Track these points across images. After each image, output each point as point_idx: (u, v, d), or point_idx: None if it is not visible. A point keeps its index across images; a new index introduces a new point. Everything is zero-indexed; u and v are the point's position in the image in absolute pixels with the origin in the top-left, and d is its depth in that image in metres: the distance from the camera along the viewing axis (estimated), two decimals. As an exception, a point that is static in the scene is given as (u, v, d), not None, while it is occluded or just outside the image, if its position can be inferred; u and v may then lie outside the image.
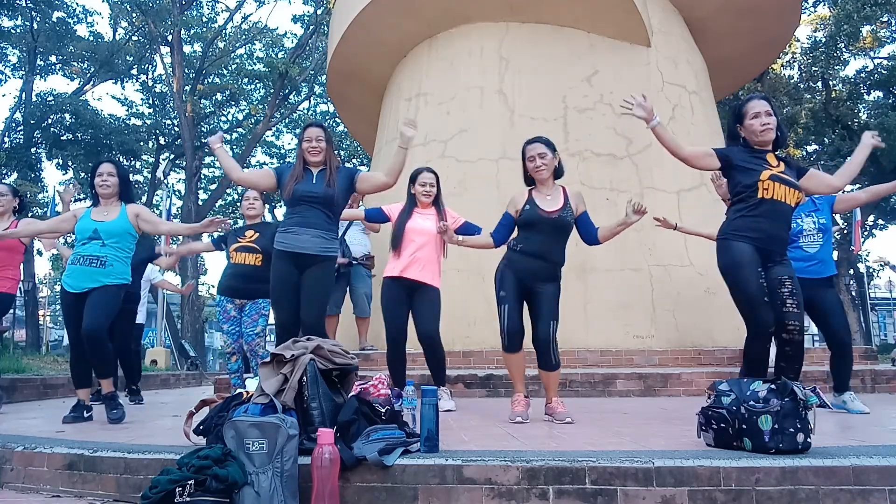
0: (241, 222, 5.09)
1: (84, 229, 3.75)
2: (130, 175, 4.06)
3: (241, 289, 4.67)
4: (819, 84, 18.42)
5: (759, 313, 2.93)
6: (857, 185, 18.63)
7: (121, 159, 18.26)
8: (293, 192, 3.46)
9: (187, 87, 18.93)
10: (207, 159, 22.99)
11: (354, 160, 21.78)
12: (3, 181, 5.14)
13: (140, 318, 6.15)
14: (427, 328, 3.86)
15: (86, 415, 3.73)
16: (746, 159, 3.09)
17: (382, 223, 4.26)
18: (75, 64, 19.53)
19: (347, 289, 6.05)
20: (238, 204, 21.23)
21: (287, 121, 22.53)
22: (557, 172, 3.48)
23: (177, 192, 22.40)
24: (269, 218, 19.13)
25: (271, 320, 4.13)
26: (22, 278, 4.72)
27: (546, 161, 3.40)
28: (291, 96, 21.26)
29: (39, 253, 17.41)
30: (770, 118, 3.05)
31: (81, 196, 20.74)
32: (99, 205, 3.86)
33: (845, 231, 17.63)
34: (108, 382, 3.81)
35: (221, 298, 4.81)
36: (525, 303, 3.40)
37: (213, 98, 21.32)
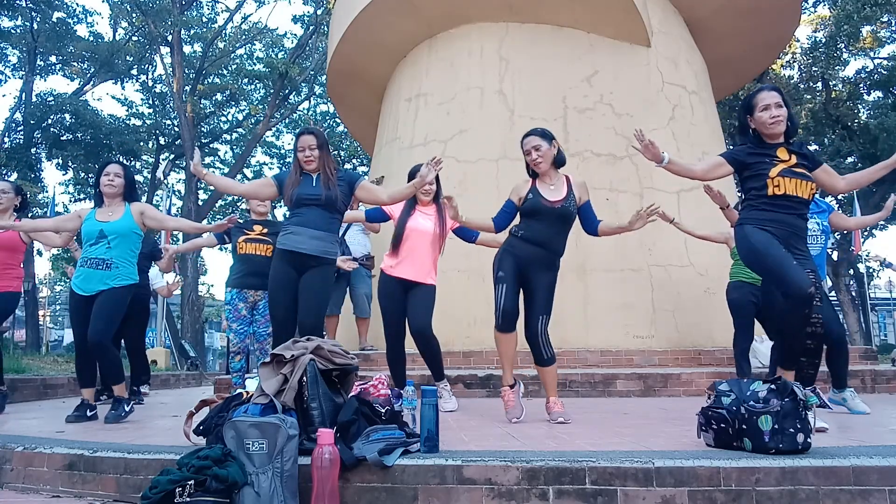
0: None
1: (90, 231, 3.77)
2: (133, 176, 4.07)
3: (256, 281, 4.62)
4: (819, 84, 18.41)
5: (792, 275, 2.75)
6: (857, 186, 18.66)
7: (121, 159, 18.28)
8: (294, 197, 3.49)
9: (187, 88, 18.92)
10: (207, 159, 23.00)
11: (354, 160, 21.77)
12: (5, 179, 5.15)
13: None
14: (418, 322, 3.86)
15: (89, 414, 3.74)
16: (755, 159, 3.01)
17: (384, 222, 4.27)
18: (75, 64, 19.53)
19: (347, 289, 6.05)
20: (238, 203, 21.22)
21: (287, 121, 22.52)
22: (558, 161, 3.48)
23: (177, 193, 22.42)
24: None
25: None
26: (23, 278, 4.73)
27: (542, 153, 3.41)
28: (291, 96, 21.26)
29: (39, 253, 17.44)
30: (780, 110, 2.97)
31: (81, 197, 20.81)
32: (102, 205, 3.87)
33: (845, 231, 17.63)
34: (120, 388, 3.84)
35: (233, 296, 4.71)
36: (522, 290, 3.42)
37: (213, 98, 21.32)
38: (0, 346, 4.72)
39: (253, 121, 21.57)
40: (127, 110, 21.81)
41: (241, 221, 4.93)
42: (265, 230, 4.74)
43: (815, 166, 3.06)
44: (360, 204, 5.54)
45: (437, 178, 4.08)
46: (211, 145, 22.78)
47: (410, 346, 4.03)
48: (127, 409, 3.74)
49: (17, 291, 4.48)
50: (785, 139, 3.05)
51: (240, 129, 22.64)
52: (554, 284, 3.41)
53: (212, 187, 4.21)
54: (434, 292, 3.98)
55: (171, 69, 18.74)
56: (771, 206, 2.95)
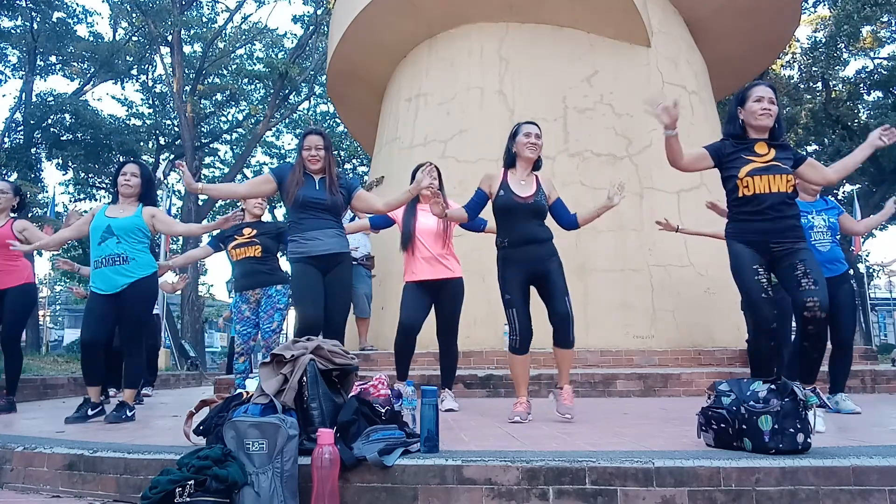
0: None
1: (98, 227, 3.75)
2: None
3: (252, 281, 4.73)
4: (819, 84, 18.42)
5: (757, 309, 2.98)
6: (857, 186, 18.69)
7: (120, 159, 18.28)
8: (298, 197, 3.47)
9: (187, 88, 18.92)
10: (207, 159, 23.00)
11: (354, 160, 21.77)
12: (4, 179, 5.15)
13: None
14: (445, 325, 4.00)
15: (90, 413, 3.70)
16: (732, 154, 3.09)
17: (388, 227, 4.29)
18: (75, 64, 19.53)
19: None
20: (237, 203, 21.16)
21: (287, 121, 22.53)
22: (537, 163, 3.53)
23: (177, 192, 22.39)
24: (267, 218, 19.09)
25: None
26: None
27: (540, 144, 3.48)
28: (291, 96, 21.26)
29: (40, 253, 17.43)
30: (772, 105, 3.05)
31: (81, 197, 20.81)
32: (117, 203, 3.87)
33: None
34: (130, 393, 3.84)
35: (236, 300, 4.86)
36: (534, 288, 3.43)
37: (213, 98, 21.33)
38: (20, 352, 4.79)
39: (253, 121, 21.57)
40: (127, 110, 21.84)
41: (241, 217, 4.95)
42: (253, 231, 4.81)
43: (799, 162, 3.12)
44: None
45: (439, 175, 4.11)
46: (211, 145, 22.77)
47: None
48: (129, 414, 3.74)
49: (24, 283, 4.48)
50: (770, 139, 3.09)
51: (240, 129, 22.64)
52: (562, 268, 3.41)
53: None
54: (461, 287, 4.06)
55: (171, 69, 18.74)
56: (746, 215, 3.05)
